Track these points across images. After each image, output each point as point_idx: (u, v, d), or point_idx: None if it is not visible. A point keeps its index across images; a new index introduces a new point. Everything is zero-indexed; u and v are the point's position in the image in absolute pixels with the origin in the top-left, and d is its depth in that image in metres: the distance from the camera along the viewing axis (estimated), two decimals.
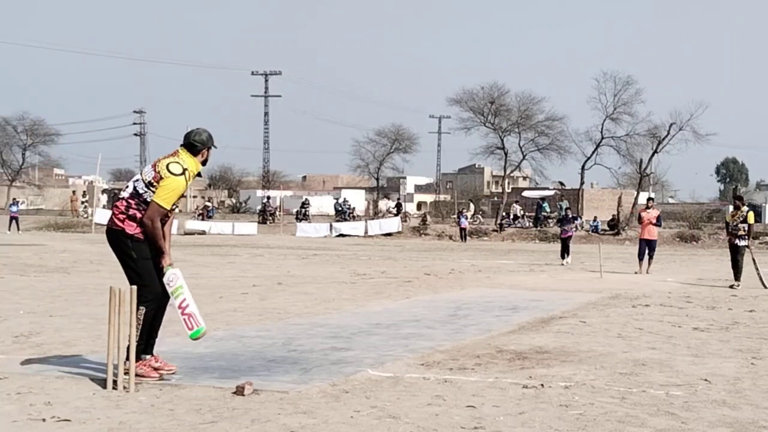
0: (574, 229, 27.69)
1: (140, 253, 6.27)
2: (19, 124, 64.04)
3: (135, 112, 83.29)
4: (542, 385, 6.37)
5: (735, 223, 16.27)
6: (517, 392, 6.12)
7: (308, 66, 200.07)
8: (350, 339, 8.56)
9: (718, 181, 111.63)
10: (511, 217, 46.30)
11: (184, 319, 6.34)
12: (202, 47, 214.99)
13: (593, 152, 47.29)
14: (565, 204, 37.73)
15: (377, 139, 60.52)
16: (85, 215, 49.56)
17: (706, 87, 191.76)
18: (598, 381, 6.59)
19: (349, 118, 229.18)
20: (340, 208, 49.12)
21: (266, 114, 79.46)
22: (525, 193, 61.26)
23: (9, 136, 64.19)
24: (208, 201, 59.60)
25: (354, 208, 52.03)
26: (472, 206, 56.64)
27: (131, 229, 6.26)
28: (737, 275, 16.07)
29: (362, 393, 5.99)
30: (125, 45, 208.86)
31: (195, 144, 6.46)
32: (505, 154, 49.02)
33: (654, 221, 19.68)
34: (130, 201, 6.29)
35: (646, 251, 19.62)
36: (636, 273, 19.25)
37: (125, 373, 5.94)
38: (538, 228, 43.64)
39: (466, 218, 42.79)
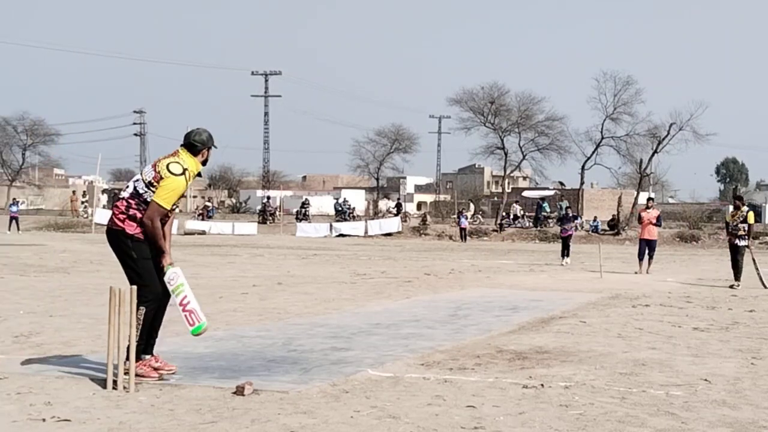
0: (575, 228, 27.70)
1: (140, 253, 6.27)
2: (19, 124, 64.12)
3: (135, 112, 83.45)
4: (542, 385, 6.37)
5: (735, 223, 16.27)
6: (517, 392, 6.12)
7: (308, 66, 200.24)
8: (350, 339, 8.56)
9: (718, 181, 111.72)
10: (511, 217, 46.30)
11: (186, 316, 6.34)
12: (202, 47, 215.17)
13: (593, 152, 47.34)
14: (565, 203, 37.77)
15: (377, 139, 60.63)
16: (85, 215, 49.57)
17: (706, 87, 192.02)
18: (598, 381, 6.59)
19: (349, 118, 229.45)
20: (340, 208, 49.13)
21: (266, 114, 79.57)
22: (525, 193, 61.27)
23: (9, 136, 64.22)
24: (208, 201, 59.61)
25: (354, 208, 52.04)
26: (472, 206, 56.64)
27: (131, 229, 6.26)
28: (737, 275, 16.07)
29: (362, 393, 5.99)
30: (125, 45, 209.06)
31: (195, 144, 6.46)
32: (505, 154, 49.03)
33: (654, 221, 19.68)
34: (131, 201, 6.29)
35: (646, 251, 19.63)
36: (636, 273, 19.26)
37: (125, 373, 5.94)
38: (538, 228, 43.64)
39: (466, 218, 42.79)
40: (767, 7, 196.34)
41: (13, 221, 38.80)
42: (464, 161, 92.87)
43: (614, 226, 41.81)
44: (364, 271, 18.93)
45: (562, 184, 61.98)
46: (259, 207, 53.06)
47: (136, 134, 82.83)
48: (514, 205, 48.81)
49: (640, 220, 20.63)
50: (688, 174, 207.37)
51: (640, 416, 5.46)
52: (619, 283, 16.51)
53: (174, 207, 6.43)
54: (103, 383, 5.97)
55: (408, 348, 8.03)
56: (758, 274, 16.14)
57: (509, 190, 57.06)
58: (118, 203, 6.37)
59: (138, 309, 6.07)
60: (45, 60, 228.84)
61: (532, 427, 5.17)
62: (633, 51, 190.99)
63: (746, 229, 16.20)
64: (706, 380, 6.69)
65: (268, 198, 52.93)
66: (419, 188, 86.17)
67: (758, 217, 43.18)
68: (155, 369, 6.31)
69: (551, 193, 55.64)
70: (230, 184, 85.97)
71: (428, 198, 77.78)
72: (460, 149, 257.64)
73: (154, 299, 6.26)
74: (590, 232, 41.64)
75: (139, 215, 6.25)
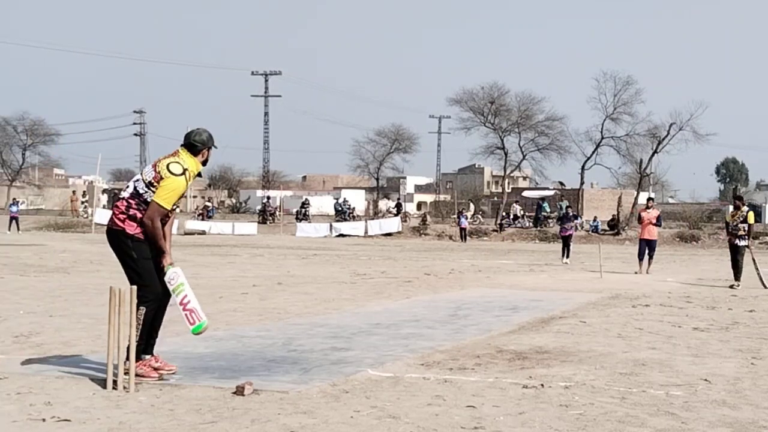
0: (575, 228, 27.69)
1: (140, 253, 6.27)
2: (19, 124, 64.13)
3: (135, 112, 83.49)
4: (542, 385, 6.36)
5: (735, 223, 16.28)
6: (517, 392, 6.12)
7: (308, 66, 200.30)
8: (350, 339, 8.56)
9: (718, 181, 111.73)
10: (511, 217, 46.32)
11: (186, 315, 6.34)
12: (202, 47, 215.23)
13: (593, 152, 47.37)
14: (565, 203, 37.76)
15: (377, 139, 60.66)
16: (85, 215, 49.59)
17: (706, 87, 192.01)
18: (598, 381, 6.59)
19: (349, 118, 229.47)
20: (340, 208, 49.14)
21: (266, 114, 79.59)
22: (525, 193, 61.28)
23: (9, 136, 64.23)
24: (208, 201, 59.63)
25: (354, 208, 52.06)
26: (472, 206, 56.65)
27: (132, 229, 6.26)
28: (737, 275, 16.07)
29: (362, 393, 5.99)
30: (125, 45, 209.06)
31: (195, 144, 6.46)
32: (505, 154, 49.05)
33: (654, 221, 19.68)
34: (131, 201, 6.29)
35: (646, 251, 19.63)
36: (636, 273, 19.26)
37: (125, 373, 5.94)
38: (538, 228, 43.66)
39: (466, 218, 42.81)
40: (767, 7, 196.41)
41: (13, 221, 38.82)
42: (464, 161, 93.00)
43: (614, 226, 41.82)
44: (364, 271, 18.93)
45: (562, 184, 61.98)
46: (259, 207, 53.08)
47: (136, 134, 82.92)
48: (514, 205, 48.82)
49: (640, 220, 20.63)
50: (688, 174, 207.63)
51: (640, 416, 5.46)
52: (619, 283, 16.51)
53: (174, 207, 6.43)
54: (103, 383, 5.97)
55: (408, 348, 8.03)
56: (758, 274, 16.14)
57: (509, 190, 57.08)
58: (119, 203, 6.38)
59: (138, 309, 6.07)
60: (45, 60, 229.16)
61: (532, 427, 5.17)
62: (633, 51, 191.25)
63: (746, 229, 16.20)
64: (706, 380, 6.69)
65: (268, 198, 52.95)
66: (419, 188, 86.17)
67: (758, 217, 43.17)
68: (155, 369, 6.31)
69: (551, 193, 55.65)
70: (230, 184, 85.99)
71: (428, 198, 77.78)
72: (460, 149, 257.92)
73: (154, 299, 6.26)
74: (590, 232, 41.65)
75: (139, 215, 6.25)
